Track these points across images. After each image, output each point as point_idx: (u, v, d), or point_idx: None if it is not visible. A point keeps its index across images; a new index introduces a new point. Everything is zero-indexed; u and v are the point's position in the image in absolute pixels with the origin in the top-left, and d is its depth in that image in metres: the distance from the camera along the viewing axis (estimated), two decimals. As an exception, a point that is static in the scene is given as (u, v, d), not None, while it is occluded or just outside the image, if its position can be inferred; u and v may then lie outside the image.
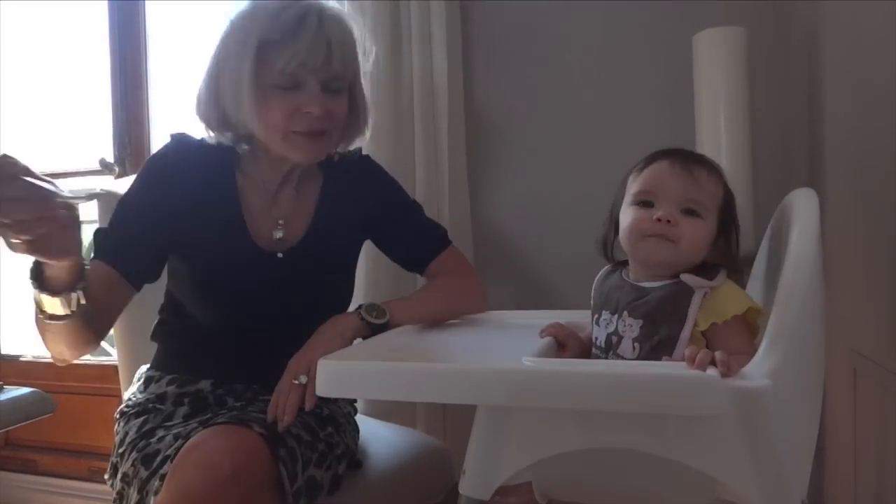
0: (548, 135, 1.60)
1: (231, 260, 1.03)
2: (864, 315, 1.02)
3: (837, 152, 1.15)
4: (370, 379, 0.69)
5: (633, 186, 0.82)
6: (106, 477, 1.01)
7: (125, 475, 0.95)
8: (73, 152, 2.17)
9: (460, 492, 0.74)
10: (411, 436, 1.27)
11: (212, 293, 1.04)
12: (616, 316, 0.79)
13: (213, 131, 1.05)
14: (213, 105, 1.01)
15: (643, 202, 0.79)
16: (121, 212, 1.03)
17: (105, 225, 1.04)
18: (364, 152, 1.55)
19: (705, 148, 1.26)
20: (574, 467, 0.75)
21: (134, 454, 0.95)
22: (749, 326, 0.76)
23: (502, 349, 0.88)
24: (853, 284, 1.06)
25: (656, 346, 0.75)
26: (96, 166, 1.98)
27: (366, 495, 1.06)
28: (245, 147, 1.06)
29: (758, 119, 1.29)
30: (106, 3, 2.01)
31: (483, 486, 0.73)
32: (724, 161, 1.23)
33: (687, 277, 0.76)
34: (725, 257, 0.80)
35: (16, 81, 2.23)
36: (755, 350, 0.71)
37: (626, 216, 0.81)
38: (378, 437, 1.22)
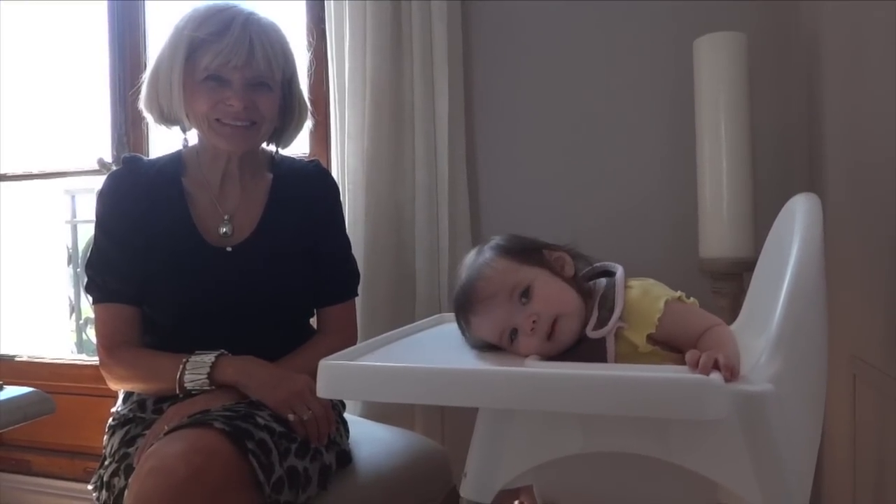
0: (547, 138, 1.60)
1: (182, 256, 1.09)
2: (865, 321, 1.02)
3: (838, 157, 1.15)
4: (371, 381, 0.69)
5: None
6: (90, 487, 1.02)
7: (109, 485, 0.97)
8: (72, 152, 2.16)
9: (461, 495, 0.74)
10: (409, 438, 1.26)
11: (168, 291, 1.08)
12: None
13: (159, 123, 1.14)
14: (154, 100, 1.10)
15: (511, 340, 0.76)
16: (98, 250, 1.10)
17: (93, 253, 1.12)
18: (364, 152, 1.56)
19: (706, 152, 1.27)
20: (576, 471, 0.74)
21: (115, 465, 0.98)
22: (686, 302, 0.74)
23: (500, 351, 0.87)
24: (854, 290, 1.06)
25: None
26: (94, 166, 1.97)
27: (363, 497, 1.05)
28: (186, 141, 1.15)
29: (758, 123, 1.29)
30: (106, 3, 2.00)
31: (484, 490, 0.73)
32: (724, 165, 1.24)
33: (590, 333, 0.73)
34: (577, 278, 0.78)
35: (15, 80, 2.22)
36: (716, 317, 0.71)
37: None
38: (376, 439, 1.21)
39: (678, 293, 0.75)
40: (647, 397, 0.59)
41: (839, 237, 1.09)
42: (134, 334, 1.08)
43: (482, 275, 0.76)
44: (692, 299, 0.76)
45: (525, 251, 0.78)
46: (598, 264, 0.83)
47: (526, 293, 0.74)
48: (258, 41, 1.04)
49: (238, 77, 1.04)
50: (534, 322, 0.73)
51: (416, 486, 1.14)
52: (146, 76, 1.12)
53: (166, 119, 1.13)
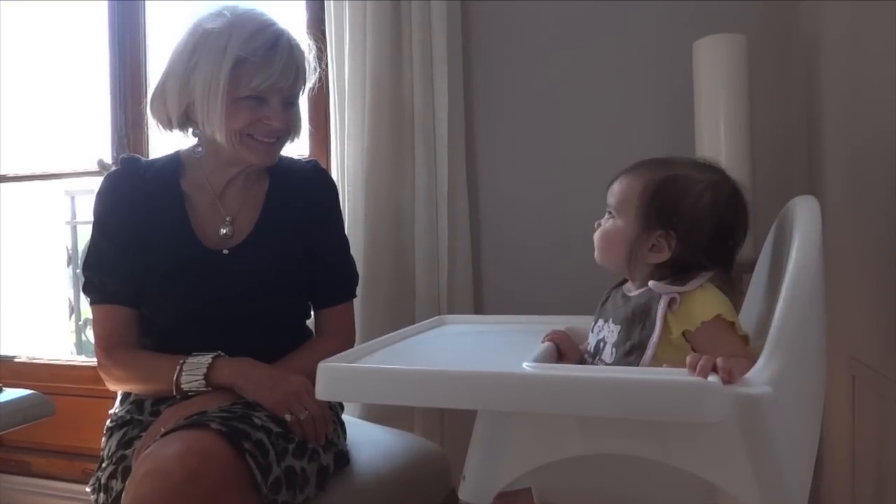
0: (547, 138, 1.60)
1: (180, 259, 1.09)
2: (864, 323, 1.02)
3: (837, 159, 1.15)
4: (371, 383, 0.69)
5: None
6: (89, 490, 1.02)
7: (107, 487, 0.97)
8: (72, 153, 2.16)
9: (460, 497, 0.74)
10: (409, 440, 1.26)
11: (165, 293, 1.08)
12: (605, 323, 0.82)
13: (165, 128, 1.12)
14: (176, 104, 1.08)
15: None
16: (96, 251, 1.10)
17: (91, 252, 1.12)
18: (364, 152, 1.57)
19: (705, 154, 1.26)
20: (574, 473, 0.74)
21: (112, 467, 0.98)
22: (734, 330, 0.74)
23: (499, 354, 0.87)
24: (853, 292, 1.06)
25: (629, 350, 0.76)
26: (94, 167, 1.97)
27: (362, 499, 1.05)
28: (199, 150, 1.13)
29: (757, 125, 1.29)
30: (106, 3, 2.00)
31: (483, 492, 0.73)
32: (723, 167, 1.24)
33: (653, 284, 0.76)
34: (686, 257, 0.78)
35: (15, 81, 2.22)
36: (748, 352, 0.71)
37: None
38: (375, 441, 1.21)
39: (736, 320, 0.75)
40: (646, 400, 0.59)
41: (838, 239, 1.09)
42: (132, 336, 1.08)
43: (627, 174, 0.84)
44: (746, 333, 0.76)
45: (659, 209, 0.79)
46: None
47: (610, 213, 0.85)
48: (300, 65, 1.08)
49: (278, 97, 1.06)
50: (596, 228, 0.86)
51: (415, 489, 1.14)
52: (166, 77, 1.08)
53: (180, 125, 1.11)
